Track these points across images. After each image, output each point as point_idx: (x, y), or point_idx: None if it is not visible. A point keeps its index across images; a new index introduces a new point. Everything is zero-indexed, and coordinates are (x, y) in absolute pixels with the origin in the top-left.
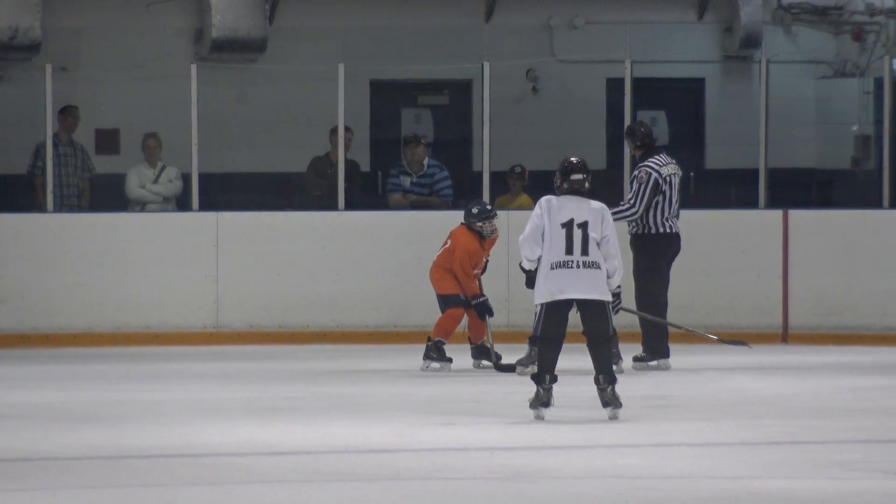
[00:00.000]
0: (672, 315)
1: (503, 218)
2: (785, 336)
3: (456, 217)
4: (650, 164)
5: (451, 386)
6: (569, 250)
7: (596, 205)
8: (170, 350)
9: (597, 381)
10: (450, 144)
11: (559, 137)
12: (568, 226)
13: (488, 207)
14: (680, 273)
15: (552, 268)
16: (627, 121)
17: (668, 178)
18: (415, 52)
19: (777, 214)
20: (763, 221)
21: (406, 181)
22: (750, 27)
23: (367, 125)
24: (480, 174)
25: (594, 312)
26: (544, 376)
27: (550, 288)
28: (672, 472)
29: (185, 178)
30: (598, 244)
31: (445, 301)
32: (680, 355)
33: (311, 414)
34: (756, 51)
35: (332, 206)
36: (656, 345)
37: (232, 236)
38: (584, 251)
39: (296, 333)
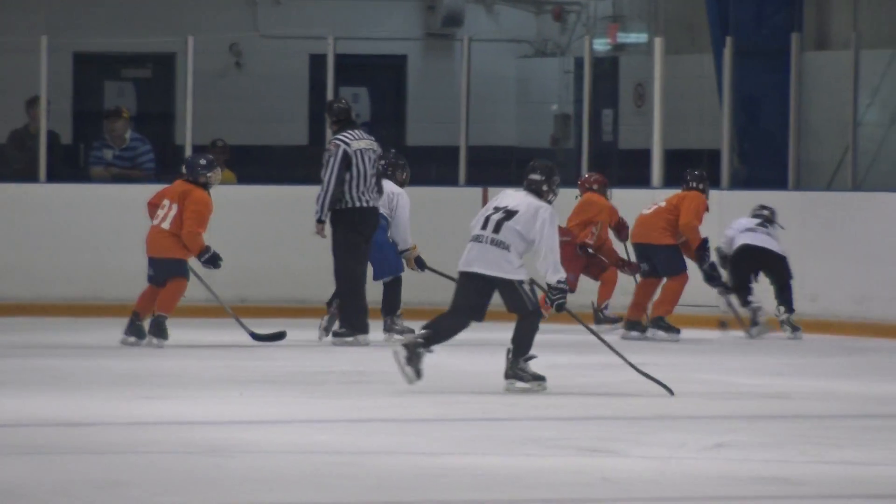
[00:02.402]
0: None
1: None
2: None
3: (156, 189)
4: (341, 137)
5: (149, 360)
6: (483, 226)
7: (536, 204)
8: None
9: (507, 352)
10: (153, 118)
11: (262, 112)
12: (495, 209)
13: (207, 156)
14: None
15: (470, 240)
16: (330, 97)
17: (358, 153)
18: (119, 25)
19: (476, 192)
20: (463, 199)
21: (108, 154)
22: (452, 5)
23: (69, 97)
24: (183, 148)
25: (504, 291)
26: (429, 335)
27: (463, 259)
28: (368, 448)
29: None
30: (518, 234)
31: (177, 267)
32: (379, 332)
33: (6, 387)
34: (458, 29)
35: (33, 178)
36: (356, 321)
37: None
38: (497, 230)
39: None
